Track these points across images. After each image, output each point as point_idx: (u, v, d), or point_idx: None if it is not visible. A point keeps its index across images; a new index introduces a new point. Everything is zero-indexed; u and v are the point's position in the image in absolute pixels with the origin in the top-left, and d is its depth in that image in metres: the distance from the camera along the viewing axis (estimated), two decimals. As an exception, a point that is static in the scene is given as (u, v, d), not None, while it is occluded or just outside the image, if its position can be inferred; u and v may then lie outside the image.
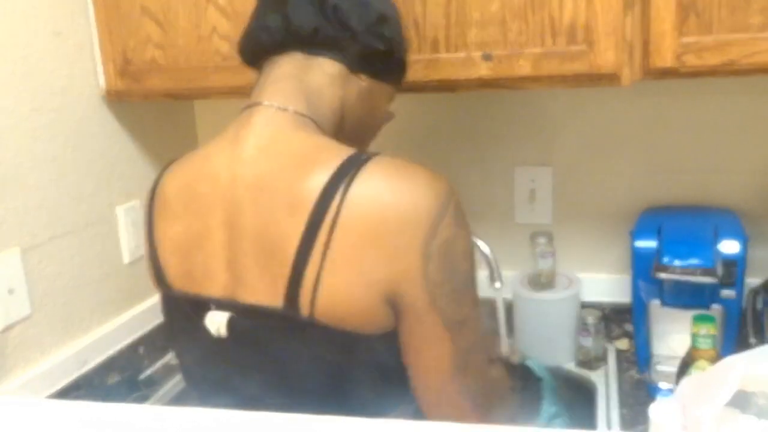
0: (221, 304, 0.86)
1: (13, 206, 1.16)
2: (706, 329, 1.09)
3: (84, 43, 1.32)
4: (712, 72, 1.03)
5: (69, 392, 1.25)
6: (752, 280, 1.31)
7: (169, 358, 1.52)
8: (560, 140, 1.49)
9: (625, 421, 1.22)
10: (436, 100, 1.49)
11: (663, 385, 1.23)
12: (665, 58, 1.03)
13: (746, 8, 0.99)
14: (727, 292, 1.24)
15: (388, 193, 0.79)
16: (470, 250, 0.86)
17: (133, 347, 1.43)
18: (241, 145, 0.86)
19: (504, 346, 1.37)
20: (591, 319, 1.41)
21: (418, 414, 0.88)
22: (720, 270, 1.20)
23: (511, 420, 0.95)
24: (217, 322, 0.86)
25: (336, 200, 0.79)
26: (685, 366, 1.11)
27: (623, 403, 1.28)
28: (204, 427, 0.64)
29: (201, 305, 0.88)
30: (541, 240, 1.45)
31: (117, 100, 1.37)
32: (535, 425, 1.21)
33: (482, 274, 1.22)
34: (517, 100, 1.48)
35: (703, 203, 1.42)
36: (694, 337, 1.10)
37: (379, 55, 0.94)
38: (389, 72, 0.98)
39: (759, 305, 1.28)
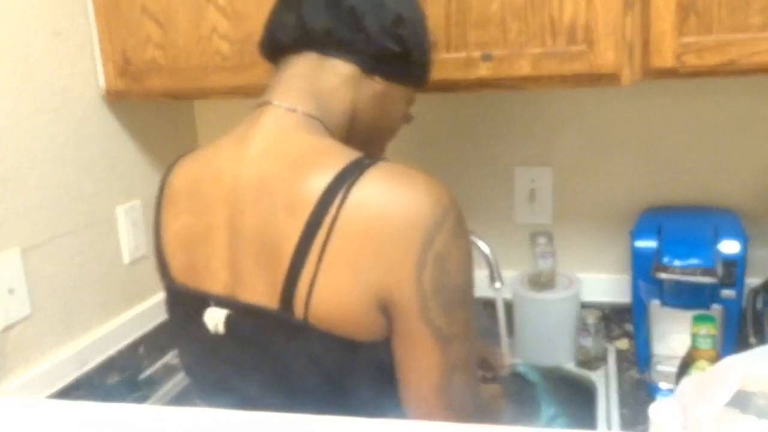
0: (221, 302, 0.87)
1: (13, 206, 1.16)
2: (706, 329, 1.09)
3: (84, 43, 1.32)
4: (712, 72, 1.03)
5: (69, 392, 1.25)
6: (752, 280, 1.31)
7: (169, 358, 1.52)
8: (560, 140, 1.49)
9: (625, 421, 1.22)
10: (436, 100, 1.49)
11: (663, 385, 1.24)
12: (665, 58, 1.03)
13: (746, 8, 0.99)
14: (727, 292, 1.24)
15: (386, 199, 0.79)
16: (467, 264, 0.84)
17: (133, 347, 1.43)
18: (248, 144, 0.86)
19: (504, 347, 1.37)
20: (591, 319, 1.41)
21: None
22: (720, 270, 1.20)
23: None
24: (215, 318, 0.86)
25: (335, 204, 0.78)
26: (685, 366, 1.11)
27: (623, 403, 1.28)
28: (204, 427, 0.64)
29: (201, 301, 0.88)
30: (541, 240, 1.45)
31: (117, 100, 1.37)
32: (535, 426, 1.21)
33: (482, 274, 1.23)
34: (517, 100, 1.48)
35: (703, 203, 1.42)
36: (694, 337, 1.10)
37: (395, 57, 0.92)
38: (406, 74, 0.96)
39: (759, 305, 1.28)
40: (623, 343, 1.49)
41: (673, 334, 1.31)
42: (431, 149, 1.55)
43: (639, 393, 1.30)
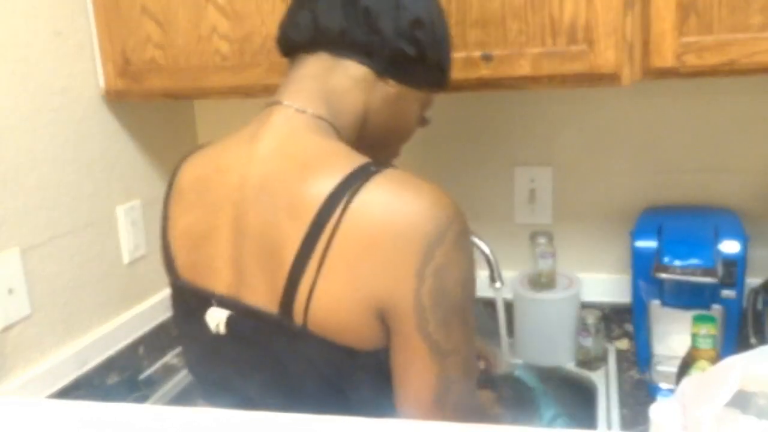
0: (223, 302, 0.86)
1: (12, 206, 1.16)
2: (706, 329, 1.09)
3: (84, 43, 1.32)
4: (712, 72, 1.03)
5: (69, 392, 1.25)
6: (752, 280, 1.31)
7: (169, 358, 1.53)
8: (560, 140, 1.49)
9: (625, 422, 1.22)
10: (435, 100, 1.49)
11: (663, 385, 1.23)
12: (665, 58, 1.03)
13: (746, 8, 0.99)
14: (728, 292, 1.24)
15: (389, 209, 0.77)
16: (467, 277, 0.82)
17: (132, 347, 1.43)
18: (256, 143, 0.86)
19: (504, 347, 1.37)
20: (591, 319, 1.41)
21: None
22: (720, 270, 1.20)
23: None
24: (216, 318, 0.86)
25: (338, 210, 0.77)
26: (686, 366, 1.11)
27: (623, 404, 1.28)
28: (204, 427, 0.64)
29: (204, 299, 0.88)
30: (541, 240, 1.45)
31: (117, 100, 1.36)
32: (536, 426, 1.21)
33: (482, 274, 1.23)
34: (517, 100, 1.48)
35: (704, 203, 1.42)
36: (695, 337, 1.10)
37: (410, 61, 0.90)
38: (421, 77, 0.94)
39: (759, 305, 1.28)
40: (623, 343, 1.48)
41: (674, 334, 1.31)
42: (431, 149, 1.55)
43: (639, 393, 1.30)
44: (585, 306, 1.47)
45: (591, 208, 1.50)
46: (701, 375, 0.70)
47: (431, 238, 0.77)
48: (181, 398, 1.44)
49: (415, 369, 0.80)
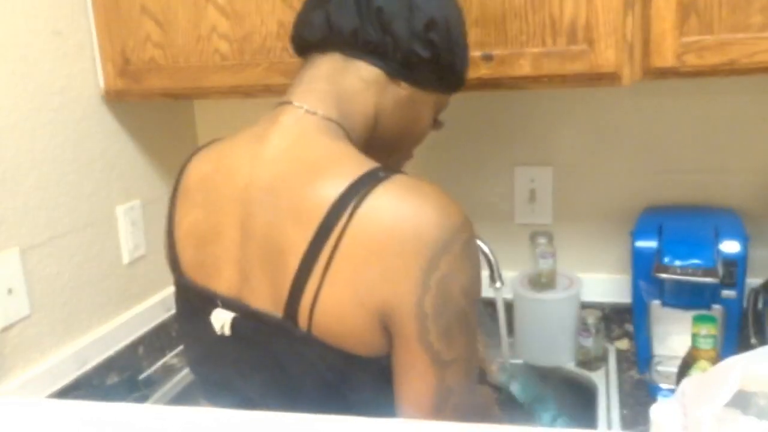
0: (227, 303, 0.86)
1: (12, 206, 1.16)
2: (706, 329, 1.09)
3: (83, 42, 1.32)
4: (712, 72, 1.03)
5: (68, 392, 1.25)
6: (753, 280, 1.31)
7: (169, 358, 1.53)
8: (560, 140, 1.48)
9: (625, 422, 1.22)
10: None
11: (663, 385, 1.23)
12: (666, 58, 1.03)
13: (747, 8, 0.99)
14: (728, 293, 1.24)
15: (395, 216, 0.76)
16: (472, 287, 0.82)
17: (132, 347, 1.43)
18: (264, 144, 0.85)
19: (504, 347, 1.37)
20: (591, 320, 1.41)
21: None
22: (721, 270, 1.20)
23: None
24: (221, 320, 0.85)
25: (345, 216, 0.76)
26: (686, 366, 1.11)
27: (624, 404, 1.28)
28: (204, 426, 0.64)
29: (208, 300, 0.88)
30: (542, 240, 1.45)
31: (116, 99, 1.36)
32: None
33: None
34: (517, 100, 1.48)
35: (704, 203, 1.42)
36: (695, 337, 1.10)
37: (424, 63, 0.88)
38: (434, 80, 0.92)
39: (760, 305, 1.28)
40: (624, 344, 1.48)
41: (674, 334, 1.31)
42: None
43: (639, 393, 1.30)
44: (585, 306, 1.47)
45: (591, 208, 1.50)
46: (701, 375, 0.70)
47: (437, 247, 0.76)
48: (181, 398, 1.44)
49: (415, 376, 0.80)
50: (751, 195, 1.40)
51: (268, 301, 0.82)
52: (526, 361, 1.47)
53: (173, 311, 1.27)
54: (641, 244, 1.31)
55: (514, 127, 1.50)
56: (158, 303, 1.52)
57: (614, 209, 1.48)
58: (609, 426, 1.22)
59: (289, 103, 0.87)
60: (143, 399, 1.40)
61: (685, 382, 0.70)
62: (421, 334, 0.78)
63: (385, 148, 0.93)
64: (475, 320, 0.83)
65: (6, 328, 1.15)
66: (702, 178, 1.42)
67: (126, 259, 1.43)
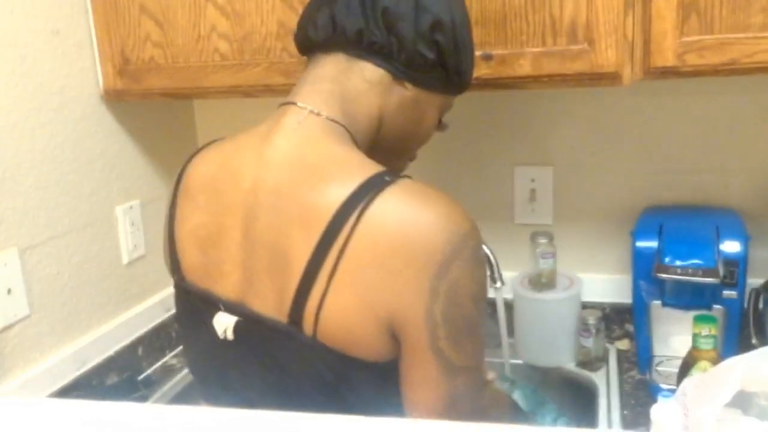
0: (230, 307, 0.85)
1: (11, 206, 1.16)
2: (707, 330, 1.08)
3: (83, 42, 1.31)
4: (713, 71, 1.02)
5: (68, 392, 1.25)
6: (754, 281, 1.30)
7: (168, 358, 1.52)
8: (560, 140, 1.48)
9: (626, 422, 1.22)
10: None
11: (664, 385, 1.23)
12: (666, 58, 1.02)
13: (747, 8, 0.99)
14: (729, 293, 1.24)
15: (403, 222, 0.76)
16: (480, 293, 0.82)
17: (132, 348, 1.43)
18: (268, 145, 0.84)
19: (504, 347, 1.37)
20: (592, 320, 1.40)
21: None
22: (721, 270, 1.20)
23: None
24: (224, 324, 0.85)
25: (350, 221, 0.76)
26: (687, 367, 1.10)
27: (624, 404, 1.27)
28: (204, 426, 0.64)
29: (211, 303, 0.87)
30: (542, 240, 1.45)
31: (116, 99, 1.36)
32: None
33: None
34: (517, 100, 1.48)
35: (705, 203, 1.42)
36: (695, 337, 1.09)
37: (429, 65, 0.88)
38: (440, 82, 0.91)
39: (761, 305, 1.28)
40: (624, 344, 1.48)
41: (675, 334, 1.30)
42: (431, 149, 1.54)
43: (640, 394, 1.30)
44: (585, 306, 1.47)
45: (592, 208, 1.50)
46: (702, 375, 0.69)
47: (446, 254, 0.76)
48: (181, 398, 1.44)
49: (424, 383, 0.80)
50: (751, 195, 1.39)
51: (271, 305, 0.81)
52: (526, 362, 1.47)
53: (173, 311, 1.27)
54: (642, 244, 1.30)
55: (514, 127, 1.50)
56: (158, 303, 1.51)
57: (615, 209, 1.48)
58: (609, 426, 1.22)
59: (293, 103, 0.86)
60: (143, 399, 1.40)
61: (685, 382, 0.70)
62: (431, 342, 0.77)
63: (389, 150, 0.93)
64: (482, 324, 0.83)
65: (5, 328, 1.15)
66: (702, 178, 1.42)
67: (125, 259, 1.43)
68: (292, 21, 1.16)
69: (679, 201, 1.43)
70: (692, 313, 1.15)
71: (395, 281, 0.75)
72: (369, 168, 0.80)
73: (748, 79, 1.28)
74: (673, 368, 1.18)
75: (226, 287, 0.86)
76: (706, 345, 1.09)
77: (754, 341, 1.25)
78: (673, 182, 1.43)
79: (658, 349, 1.33)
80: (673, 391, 1.07)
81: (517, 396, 1.28)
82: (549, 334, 1.44)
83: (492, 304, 1.33)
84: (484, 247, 1.27)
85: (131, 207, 1.44)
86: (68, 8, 1.28)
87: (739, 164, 1.39)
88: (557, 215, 1.52)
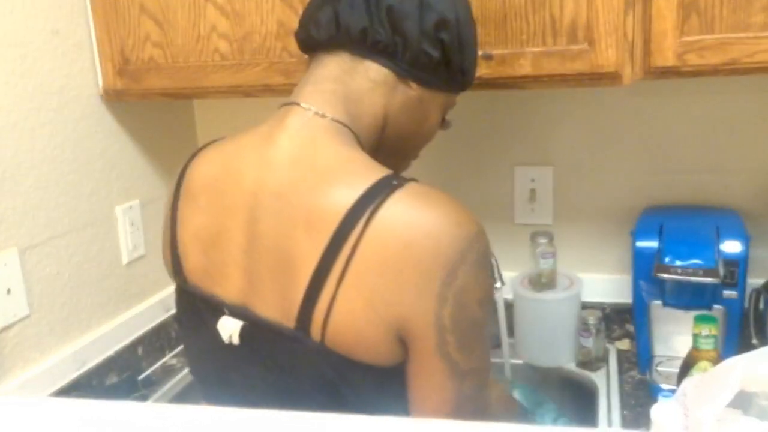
0: (234, 311, 0.84)
1: (11, 206, 1.16)
2: (707, 330, 1.08)
3: (82, 42, 1.31)
4: (713, 71, 1.02)
5: (67, 393, 1.25)
6: (754, 281, 1.30)
7: (168, 358, 1.52)
8: (560, 140, 1.48)
9: (626, 422, 1.22)
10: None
11: (664, 385, 1.23)
12: (666, 57, 1.02)
13: (748, 7, 0.99)
14: (729, 293, 1.24)
15: (412, 226, 0.75)
16: (487, 297, 0.82)
17: (131, 348, 1.43)
18: (273, 147, 0.83)
19: (504, 347, 1.37)
20: (592, 320, 1.40)
21: None
22: (722, 270, 1.20)
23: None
24: (229, 329, 0.84)
25: (359, 226, 0.75)
26: (687, 367, 1.10)
27: (624, 404, 1.27)
28: (205, 425, 0.64)
29: (214, 307, 0.86)
30: (542, 240, 1.45)
31: (116, 99, 1.36)
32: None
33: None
34: (518, 100, 1.48)
35: (705, 203, 1.42)
36: (696, 337, 1.09)
37: (434, 64, 0.87)
38: (444, 80, 0.90)
39: (761, 306, 1.28)
40: (624, 344, 1.48)
41: (675, 334, 1.30)
42: (431, 149, 1.54)
43: (640, 394, 1.30)
44: (586, 306, 1.47)
45: (591, 208, 1.50)
46: (702, 376, 0.69)
47: (454, 258, 0.76)
48: (181, 398, 1.44)
49: (432, 387, 0.80)
50: (751, 195, 1.39)
51: (277, 309, 0.81)
52: (526, 362, 1.46)
53: (173, 311, 1.27)
54: (642, 244, 1.30)
55: (514, 127, 1.50)
56: (157, 303, 1.51)
57: (615, 209, 1.48)
58: (609, 426, 1.22)
59: (296, 104, 0.85)
60: (143, 399, 1.40)
61: (686, 382, 0.70)
62: (439, 347, 0.77)
63: (393, 150, 0.92)
64: (488, 327, 0.83)
65: (5, 329, 1.14)
66: (702, 178, 1.42)
67: (125, 259, 1.43)
68: (292, 21, 1.16)
69: (679, 201, 1.43)
70: (692, 313, 1.15)
71: (404, 286, 0.75)
72: (376, 171, 0.79)
73: (748, 79, 1.28)
74: (674, 368, 1.18)
75: (228, 290, 0.85)
76: (706, 345, 1.09)
77: (754, 341, 1.25)
78: (673, 182, 1.43)
79: (659, 349, 1.33)
80: (673, 391, 1.07)
81: (516, 396, 1.28)
82: (549, 334, 1.44)
83: (492, 304, 1.33)
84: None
85: (131, 207, 1.44)
86: (68, 8, 1.28)
87: (739, 164, 1.39)
88: (557, 215, 1.52)
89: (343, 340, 0.77)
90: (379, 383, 0.81)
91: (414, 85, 0.88)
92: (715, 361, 1.06)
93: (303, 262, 0.77)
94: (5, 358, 1.15)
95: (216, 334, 0.85)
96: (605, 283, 1.50)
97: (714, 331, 1.08)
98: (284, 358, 0.82)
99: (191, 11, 1.24)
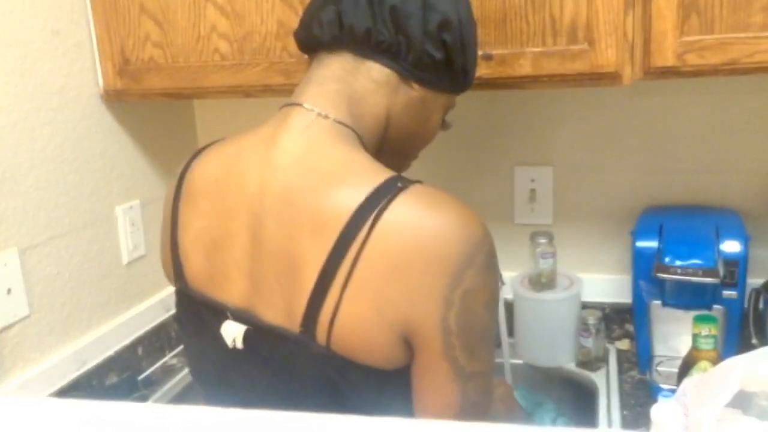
0: (238, 315, 0.84)
1: (11, 206, 1.16)
2: (707, 330, 1.08)
3: (82, 42, 1.31)
4: (713, 71, 1.02)
5: (67, 393, 1.25)
6: (754, 281, 1.30)
7: (168, 358, 1.52)
8: (560, 140, 1.48)
9: (626, 422, 1.22)
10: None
11: (664, 385, 1.23)
12: (666, 57, 1.02)
13: (748, 7, 0.99)
14: (729, 293, 1.24)
15: (418, 228, 0.75)
16: (493, 300, 0.81)
17: (131, 348, 1.43)
18: (275, 149, 0.82)
19: (504, 347, 1.37)
20: (592, 320, 1.40)
21: None
22: (721, 270, 1.20)
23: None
24: (233, 333, 0.83)
25: (365, 228, 0.75)
26: (687, 367, 1.10)
27: (624, 404, 1.27)
28: (205, 426, 0.64)
29: (217, 311, 0.86)
30: (542, 240, 1.45)
31: (116, 99, 1.36)
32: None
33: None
34: (517, 100, 1.48)
35: (705, 203, 1.42)
36: (696, 337, 1.09)
37: (436, 64, 0.87)
38: (446, 81, 0.90)
39: (761, 306, 1.28)
40: (624, 344, 1.48)
41: (675, 334, 1.30)
42: (431, 149, 1.54)
43: (640, 394, 1.30)
44: (585, 306, 1.47)
45: (591, 208, 1.50)
46: (702, 375, 0.69)
47: (460, 261, 0.75)
48: (181, 398, 1.44)
49: (436, 390, 0.80)
50: (751, 195, 1.39)
51: (281, 313, 0.80)
52: (526, 362, 1.47)
53: (173, 311, 1.26)
54: (642, 244, 1.30)
55: (514, 127, 1.50)
56: (158, 303, 1.51)
57: (614, 209, 1.48)
58: (609, 426, 1.22)
59: (299, 104, 0.85)
60: (143, 399, 1.40)
61: (685, 382, 0.70)
62: (445, 350, 0.77)
63: (395, 151, 0.92)
64: (494, 330, 0.83)
65: (5, 328, 1.14)
66: (702, 178, 1.42)
67: (125, 259, 1.43)
68: (292, 21, 1.16)
69: (679, 201, 1.43)
70: (692, 313, 1.15)
71: (410, 289, 0.75)
72: (380, 173, 0.79)
73: (748, 79, 1.28)
74: (673, 368, 1.18)
75: (232, 294, 0.85)
76: (706, 345, 1.09)
77: (754, 341, 1.25)
78: (673, 182, 1.43)
79: (658, 349, 1.33)
80: (673, 391, 1.07)
81: (516, 396, 1.28)
82: (549, 334, 1.44)
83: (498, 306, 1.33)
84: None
85: (131, 207, 1.44)
86: (68, 8, 1.28)
87: (738, 164, 1.39)
88: (557, 215, 1.52)
89: (348, 344, 0.77)
90: (383, 386, 0.81)
91: (416, 86, 0.88)
92: (715, 361, 1.07)
93: (308, 266, 0.77)
94: (5, 358, 1.15)
95: (218, 337, 0.85)
96: (605, 283, 1.50)
97: (714, 331, 1.08)
98: (287, 361, 0.81)
99: (191, 11, 1.24)
